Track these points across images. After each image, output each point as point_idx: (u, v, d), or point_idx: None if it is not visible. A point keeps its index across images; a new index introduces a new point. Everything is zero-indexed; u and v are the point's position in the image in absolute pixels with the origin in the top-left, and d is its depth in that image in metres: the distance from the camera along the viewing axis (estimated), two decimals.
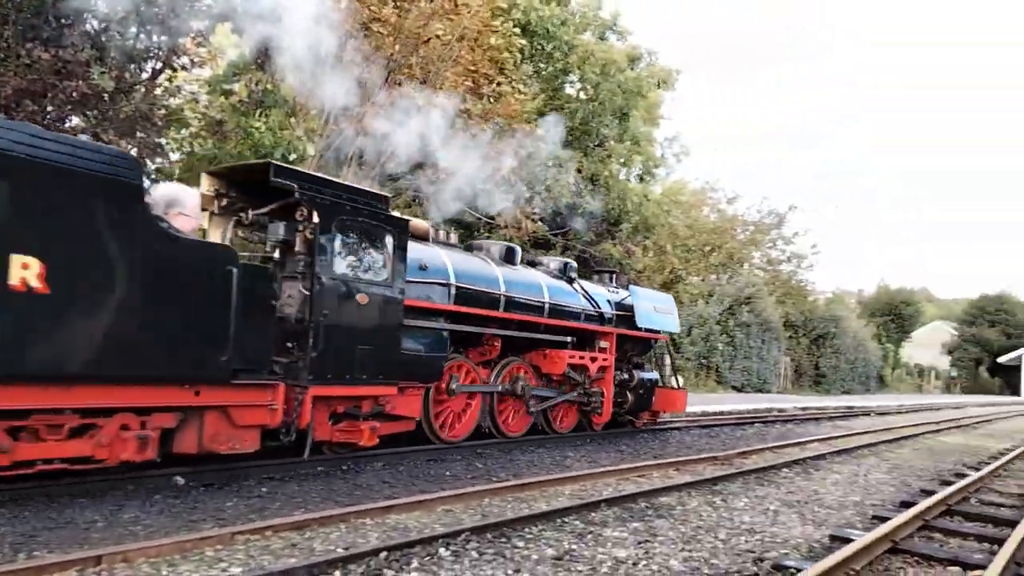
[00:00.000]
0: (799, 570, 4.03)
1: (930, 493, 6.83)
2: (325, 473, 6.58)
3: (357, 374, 6.55)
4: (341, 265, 6.46)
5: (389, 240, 6.90)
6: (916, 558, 4.69)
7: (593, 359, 10.11)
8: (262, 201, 6.58)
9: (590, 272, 10.65)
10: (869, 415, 20.12)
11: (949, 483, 7.61)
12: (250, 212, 6.66)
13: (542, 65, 17.92)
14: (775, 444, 10.70)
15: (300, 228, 6.31)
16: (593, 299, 10.54)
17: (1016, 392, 56.02)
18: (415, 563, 4.02)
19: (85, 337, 4.73)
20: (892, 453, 10.90)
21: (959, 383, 57.32)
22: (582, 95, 22.02)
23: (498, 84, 12.52)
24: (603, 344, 10.48)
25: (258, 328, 5.77)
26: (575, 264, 11.06)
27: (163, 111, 11.61)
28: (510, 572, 4.01)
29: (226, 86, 13.75)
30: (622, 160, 20.66)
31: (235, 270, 5.51)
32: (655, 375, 11.83)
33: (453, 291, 8.06)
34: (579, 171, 18.09)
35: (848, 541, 4.71)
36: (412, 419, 7.40)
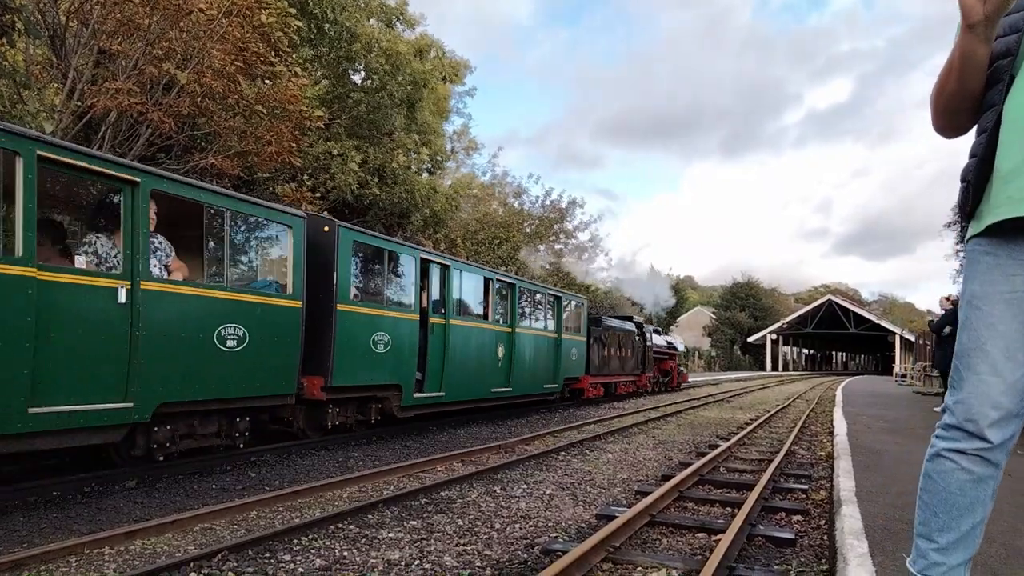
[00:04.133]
0: (564, 552, 4.14)
1: (687, 465, 7.46)
2: (61, 499, 5.74)
3: (648, 370, 22.82)
4: (647, 339, 22.89)
5: (651, 330, 24.28)
6: (670, 528, 5.05)
7: (672, 364, 26.40)
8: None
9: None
10: (643, 395, 21.84)
11: (703, 454, 8.39)
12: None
13: (323, 50, 17.18)
14: (556, 428, 11.18)
15: (641, 332, 22.23)
16: (668, 342, 26.62)
17: (762, 367, 64.07)
18: None
19: (617, 363, 20.04)
20: (659, 430, 11.84)
21: (718, 361, 64.39)
22: (368, 84, 21.52)
23: (272, 65, 11.70)
24: (673, 357, 26.63)
25: (640, 357, 22.21)
26: (660, 328, 29.30)
27: None
28: None
29: None
30: (411, 152, 20.47)
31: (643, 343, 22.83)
32: (682, 368, 28.99)
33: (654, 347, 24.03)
34: (365, 162, 17.63)
35: (612, 518, 4.95)
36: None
